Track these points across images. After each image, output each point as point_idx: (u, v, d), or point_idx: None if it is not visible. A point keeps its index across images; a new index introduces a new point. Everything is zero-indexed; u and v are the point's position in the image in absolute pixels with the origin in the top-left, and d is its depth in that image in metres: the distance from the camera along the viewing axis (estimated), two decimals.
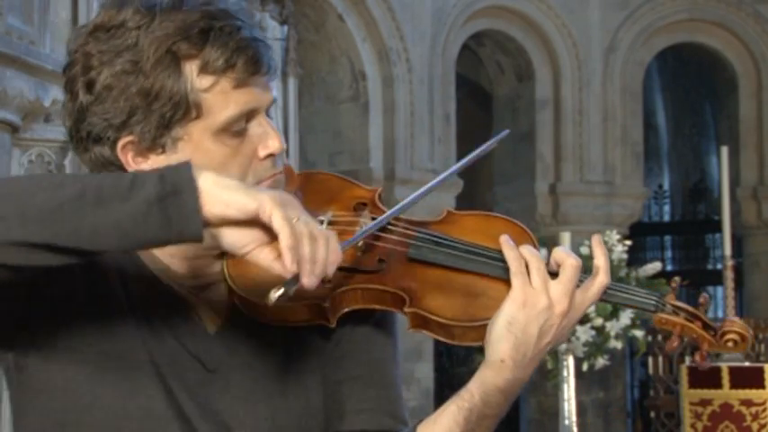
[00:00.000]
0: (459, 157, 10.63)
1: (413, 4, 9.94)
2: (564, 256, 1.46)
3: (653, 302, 1.49)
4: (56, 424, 1.41)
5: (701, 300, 1.50)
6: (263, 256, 1.29)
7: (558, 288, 1.44)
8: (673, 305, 1.49)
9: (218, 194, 1.26)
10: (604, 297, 1.49)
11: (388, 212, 1.49)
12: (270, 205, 1.26)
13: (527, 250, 1.46)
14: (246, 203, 1.26)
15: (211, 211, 1.26)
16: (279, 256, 1.28)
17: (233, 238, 1.29)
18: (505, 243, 1.47)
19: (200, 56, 1.40)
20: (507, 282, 1.46)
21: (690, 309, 1.49)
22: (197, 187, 1.26)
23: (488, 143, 1.64)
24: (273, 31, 8.23)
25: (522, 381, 1.47)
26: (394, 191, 9.51)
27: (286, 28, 8.56)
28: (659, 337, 9.09)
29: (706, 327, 1.49)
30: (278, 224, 1.26)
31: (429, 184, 1.58)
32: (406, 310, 1.44)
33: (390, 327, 1.58)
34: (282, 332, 1.48)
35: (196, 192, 1.26)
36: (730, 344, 1.48)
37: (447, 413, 1.48)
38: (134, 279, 1.46)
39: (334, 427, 1.53)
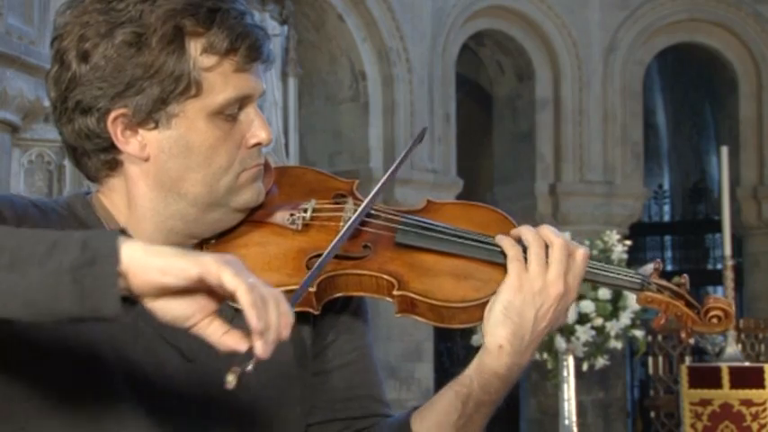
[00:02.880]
0: (460, 157, 10.67)
1: (413, 4, 9.94)
2: (552, 236, 1.47)
3: (638, 281, 1.52)
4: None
5: (682, 279, 1.53)
6: (212, 332, 1.19)
7: (551, 270, 1.45)
8: (657, 284, 1.52)
9: (151, 262, 1.15)
10: (592, 278, 1.50)
11: (350, 220, 1.47)
12: (216, 266, 1.15)
13: (530, 234, 1.47)
14: (186, 268, 1.15)
15: (145, 281, 1.15)
16: (229, 330, 1.19)
17: (175, 310, 1.18)
18: (501, 234, 1.48)
19: (205, 35, 1.41)
20: (494, 264, 1.47)
21: (673, 287, 1.52)
22: (118, 258, 1.14)
23: (410, 145, 1.63)
24: (273, 31, 8.23)
25: (520, 366, 1.47)
26: (394, 191, 9.51)
27: (286, 28, 8.56)
28: (659, 338, 9.09)
29: (689, 305, 1.52)
30: (231, 283, 1.14)
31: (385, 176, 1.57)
32: (395, 293, 1.45)
33: (366, 314, 1.60)
34: None
35: (115, 263, 1.14)
36: (714, 320, 1.50)
37: (445, 398, 1.49)
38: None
39: (325, 417, 1.54)
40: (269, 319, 1.15)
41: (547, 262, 1.46)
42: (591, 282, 1.52)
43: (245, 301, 1.14)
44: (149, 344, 1.43)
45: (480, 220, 1.53)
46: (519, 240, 1.48)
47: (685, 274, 1.56)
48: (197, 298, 1.18)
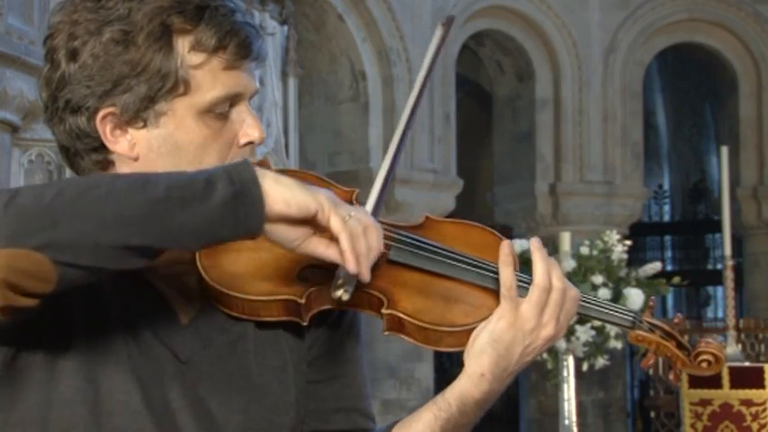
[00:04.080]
0: (460, 157, 10.65)
1: (413, 4, 9.94)
2: (554, 279, 1.46)
3: (630, 319, 1.50)
4: (38, 419, 1.38)
5: (676, 320, 1.52)
6: (313, 247, 1.33)
7: (547, 313, 1.45)
8: (649, 322, 1.51)
9: (281, 193, 1.29)
10: (584, 312, 1.50)
11: (380, 179, 1.51)
12: (328, 207, 1.30)
13: (535, 273, 1.45)
14: (308, 204, 1.30)
15: (273, 210, 1.29)
16: (329, 244, 1.33)
17: (285, 234, 1.32)
18: (504, 260, 1.46)
19: (193, 32, 1.40)
20: (486, 290, 1.46)
21: (666, 327, 1.51)
22: (261, 186, 1.28)
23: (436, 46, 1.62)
24: (273, 31, 8.23)
25: (499, 392, 1.48)
26: (394, 191, 9.51)
27: (286, 28, 8.56)
28: None
29: (680, 346, 1.51)
30: (337, 227, 1.31)
31: (394, 147, 1.56)
32: (384, 311, 1.43)
33: (359, 327, 1.59)
34: (255, 327, 1.48)
35: (261, 191, 1.28)
36: (704, 364, 1.50)
37: (423, 421, 1.48)
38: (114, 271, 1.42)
39: (313, 427, 1.54)
40: (372, 244, 1.34)
41: (543, 304, 1.45)
42: (583, 316, 1.51)
43: (345, 246, 1.31)
44: (147, 345, 1.43)
45: (477, 243, 1.50)
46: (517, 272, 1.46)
47: (680, 314, 1.55)
48: (304, 225, 1.32)
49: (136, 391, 1.40)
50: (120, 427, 1.39)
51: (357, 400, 1.57)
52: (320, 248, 1.33)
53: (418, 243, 1.48)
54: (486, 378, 1.45)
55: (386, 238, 1.46)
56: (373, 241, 1.33)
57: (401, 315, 1.43)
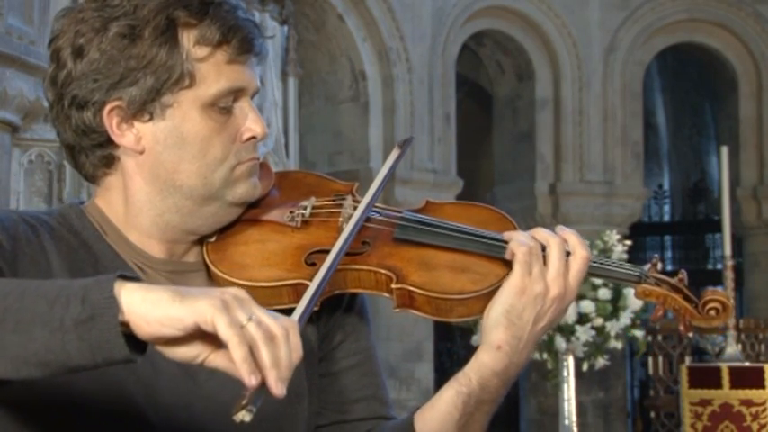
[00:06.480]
0: (460, 157, 10.65)
1: (413, 4, 9.94)
2: (548, 236, 1.48)
3: (636, 274, 1.53)
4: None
5: (680, 276, 1.55)
6: (220, 361, 1.16)
7: (551, 272, 1.46)
8: (655, 277, 1.54)
9: (150, 312, 1.12)
10: (591, 271, 1.51)
11: (348, 229, 1.47)
12: (210, 313, 1.11)
13: (526, 237, 1.47)
14: (182, 318, 1.12)
15: (147, 332, 1.13)
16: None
17: (183, 353, 1.17)
18: (513, 233, 1.48)
19: (198, 26, 1.43)
20: (492, 258, 1.48)
21: (671, 281, 1.54)
22: (118, 308, 1.13)
23: (396, 157, 1.60)
24: (273, 31, 8.23)
25: (519, 365, 1.49)
26: (394, 191, 9.51)
27: (286, 28, 8.56)
28: (659, 338, 9.10)
29: (687, 298, 1.53)
30: (225, 334, 1.11)
31: (382, 177, 1.55)
32: (393, 286, 1.45)
33: (368, 316, 1.62)
34: None
35: (116, 315, 1.12)
36: (713, 312, 1.52)
37: (445, 398, 1.50)
38: (109, 270, 1.40)
39: (333, 418, 1.56)
40: (279, 355, 1.12)
41: (546, 263, 1.46)
42: (589, 275, 1.52)
43: (236, 356, 1.11)
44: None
45: (479, 219, 1.54)
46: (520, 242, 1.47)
47: (683, 270, 1.58)
48: (199, 339, 1.16)
49: (134, 392, 1.40)
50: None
51: (375, 389, 1.59)
52: (225, 363, 1.15)
53: (422, 220, 1.51)
54: (504, 350, 1.47)
55: (390, 217, 1.51)
56: (281, 352, 1.12)
57: (411, 288, 1.45)
